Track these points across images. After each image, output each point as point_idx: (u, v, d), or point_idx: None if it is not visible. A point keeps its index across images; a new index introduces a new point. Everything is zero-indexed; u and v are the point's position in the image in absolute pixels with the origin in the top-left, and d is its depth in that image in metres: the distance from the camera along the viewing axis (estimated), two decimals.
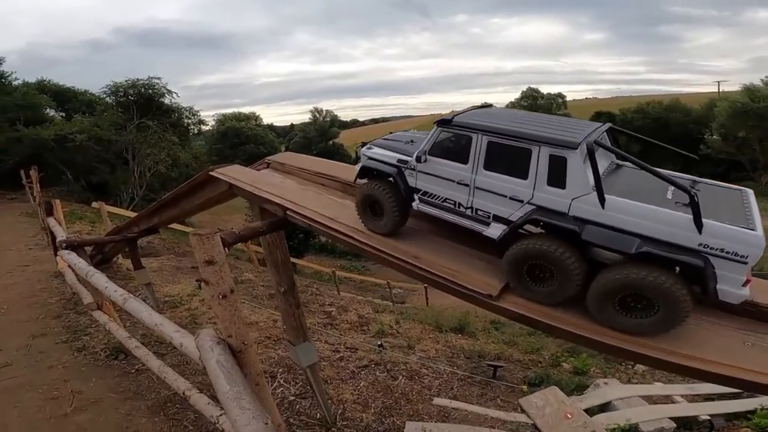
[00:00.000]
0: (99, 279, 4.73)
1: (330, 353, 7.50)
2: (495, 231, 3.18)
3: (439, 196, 3.47)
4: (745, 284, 2.51)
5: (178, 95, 30.67)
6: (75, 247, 6.16)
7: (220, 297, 2.78)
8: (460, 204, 3.36)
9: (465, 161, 3.26)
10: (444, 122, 3.39)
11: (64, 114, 30.52)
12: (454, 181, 3.32)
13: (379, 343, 7.94)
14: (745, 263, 2.45)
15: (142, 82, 28.50)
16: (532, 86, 66.53)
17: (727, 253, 2.46)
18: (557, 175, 2.88)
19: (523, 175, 3.01)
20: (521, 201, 3.03)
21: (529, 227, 3.15)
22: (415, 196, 3.60)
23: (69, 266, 6.19)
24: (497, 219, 3.18)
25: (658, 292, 2.57)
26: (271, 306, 9.63)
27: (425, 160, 3.43)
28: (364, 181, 3.95)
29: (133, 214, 16.61)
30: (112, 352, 6.11)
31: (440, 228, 3.88)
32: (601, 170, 2.80)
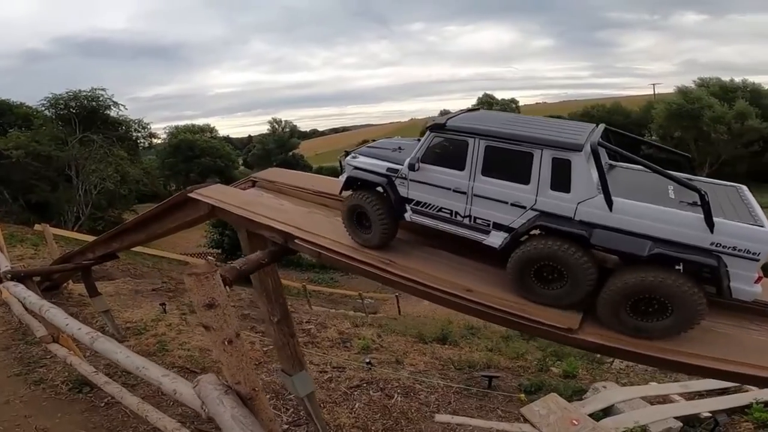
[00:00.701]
0: (56, 315, 4.07)
1: (317, 374, 7.01)
2: (496, 239, 3.06)
3: (433, 206, 3.29)
4: (757, 281, 2.49)
5: (126, 107, 28.95)
6: (22, 278, 5.36)
7: (226, 343, 2.33)
8: (457, 213, 3.20)
9: (461, 167, 3.11)
10: (437, 127, 3.23)
11: None
12: (450, 189, 3.17)
13: (367, 360, 7.53)
14: (757, 260, 2.44)
15: (84, 93, 26.67)
16: (488, 92, 68.46)
17: (740, 251, 2.44)
18: (561, 179, 2.79)
19: (525, 180, 2.90)
20: (523, 207, 2.92)
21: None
22: (408, 207, 3.41)
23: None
24: (498, 227, 3.06)
25: (673, 294, 2.50)
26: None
27: (418, 168, 3.26)
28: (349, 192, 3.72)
29: (80, 236, 15.39)
30: (75, 385, 5.49)
31: (429, 237, 3.69)
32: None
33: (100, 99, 27.35)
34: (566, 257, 2.72)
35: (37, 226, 11.90)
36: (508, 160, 2.96)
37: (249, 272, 3.42)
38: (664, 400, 6.13)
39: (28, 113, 26.00)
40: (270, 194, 5.09)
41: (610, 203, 2.64)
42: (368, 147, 3.90)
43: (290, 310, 11.62)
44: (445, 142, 3.23)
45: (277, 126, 69.06)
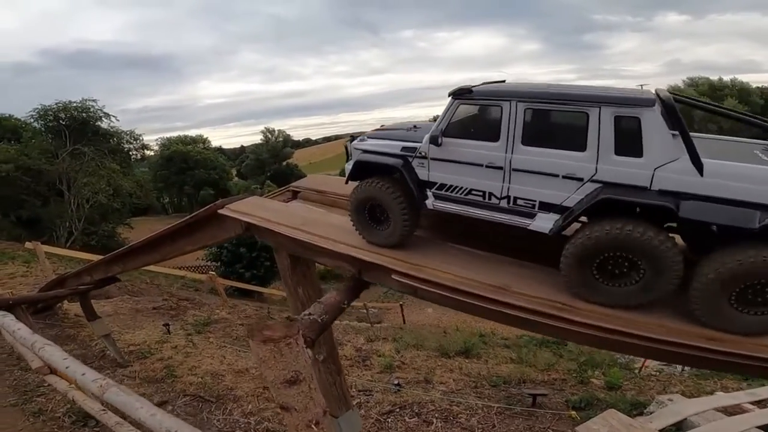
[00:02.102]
0: (54, 354, 3.44)
1: None
2: (545, 223, 2.59)
3: (462, 188, 2.83)
4: None
5: (118, 119, 28.20)
6: (10, 306, 4.69)
7: (312, 425, 1.73)
8: (491, 194, 2.74)
9: (495, 138, 2.67)
10: (463, 92, 2.76)
11: None
12: (482, 166, 2.72)
13: (395, 381, 6.90)
14: None
15: (74, 104, 25.88)
16: None
17: None
18: (629, 141, 2.34)
19: (580, 145, 2.46)
20: (580, 179, 2.46)
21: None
22: (429, 192, 2.95)
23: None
24: (546, 207, 2.59)
25: None
26: None
27: (441, 143, 2.79)
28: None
29: (74, 253, 14.57)
30: (79, 418, 4.87)
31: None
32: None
33: (91, 110, 26.58)
34: (646, 243, 2.21)
35: (28, 244, 11.15)
36: (556, 125, 2.56)
37: (331, 322, 2.78)
38: (735, 410, 5.57)
39: (17, 126, 25.17)
40: (320, 208, 4.29)
41: (699, 165, 2.20)
42: (378, 130, 3.38)
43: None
44: (473, 110, 2.79)
45: (270, 136, 68.53)
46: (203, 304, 12.59)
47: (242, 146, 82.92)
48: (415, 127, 3.19)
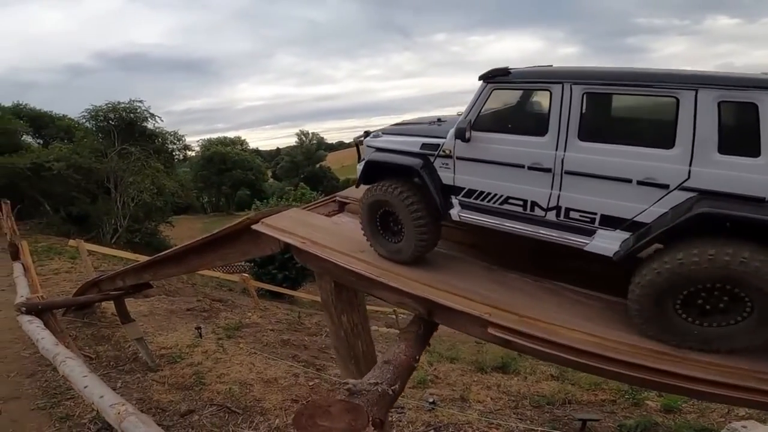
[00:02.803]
0: (74, 371, 3.27)
1: None
2: (608, 243, 2.03)
3: (496, 195, 2.29)
4: None
5: (162, 119, 29.19)
6: (39, 311, 4.65)
7: None
8: (535, 204, 2.19)
9: (541, 132, 2.11)
10: (497, 74, 2.18)
11: (41, 141, 28.68)
12: (522, 167, 2.16)
13: (430, 399, 6.52)
14: None
15: (123, 105, 26.95)
16: None
17: None
18: (741, 136, 1.78)
19: (666, 141, 1.90)
20: (664, 186, 1.90)
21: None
22: (455, 200, 2.43)
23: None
24: (610, 222, 2.02)
25: None
26: (287, 355, 8.12)
27: (470, 138, 2.23)
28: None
29: (117, 252, 15.04)
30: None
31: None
32: None
33: (138, 111, 27.60)
34: (756, 274, 1.65)
35: (71, 242, 11.50)
36: (629, 114, 2.04)
37: (402, 390, 2.29)
38: None
39: (70, 125, 26.53)
40: None
41: None
42: (396, 124, 2.87)
43: (324, 329, 10.83)
44: (512, 98, 2.28)
45: (304, 138, 69.62)
46: (235, 306, 12.62)
47: (278, 148, 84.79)
48: (439, 120, 2.73)
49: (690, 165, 1.87)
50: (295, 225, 3.40)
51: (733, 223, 1.79)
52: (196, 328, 8.46)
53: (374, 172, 2.68)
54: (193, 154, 46.65)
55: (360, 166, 2.84)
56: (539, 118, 2.16)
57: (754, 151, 1.79)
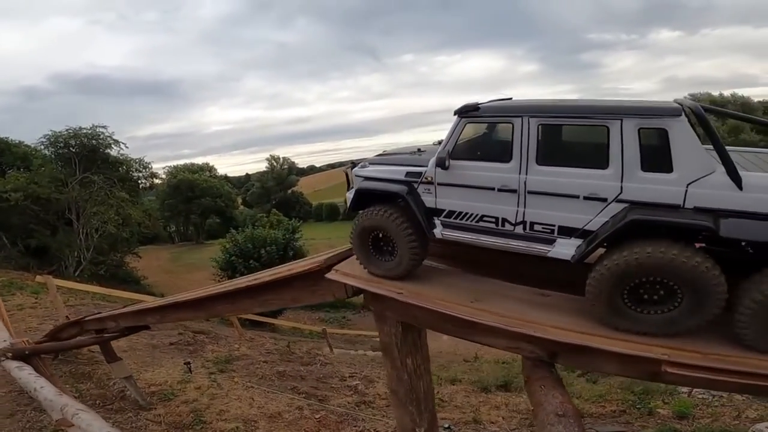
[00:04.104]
0: (92, 426, 2.88)
1: None
2: (566, 249, 2.39)
3: (472, 214, 2.64)
4: None
5: (127, 146, 28.15)
6: (26, 357, 4.16)
7: None
8: (505, 220, 2.54)
9: (507, 158, 2.48)
10: (470, 109, 2.59)
11: None
12: (493, 189, 2.53)
13: (446, 425, 6.27)
14: None
15: (85, 131, 25.84)
16: None
17: None
18: (657, 155, 2.17)
19: (602, 163, 2.27)
20: (603, 199, 2.28)
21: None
22: (437, 221, 2.75)
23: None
24: (566, 232, 2.39)
25: None
26: (286, 387, 7.67)
27: (448, 166, 2.60)
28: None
29: (85, 287, 14.05)
30: None
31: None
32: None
33: (101, 137, 26.54)
34: (684, 266, 2.03)
35: (39, 278, 10.66)
36: (573, 141, 2.43)
37: None
38: None
39: (27, 153, 25.06)
40: (440, 263, 3.31)
41: (737, 179, 2.03)
42: (380, 155, 3.15)
43: (324, 362, 10.40)
44: (482, 129, 2.66)
45: (275, 163, 69.02)
46: (219, 337, 11.95)
47: (247, 174, 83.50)
48: (419, 150, 3.03)
49: (621, 181, 2.25)
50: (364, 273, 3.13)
51: (656, 225, 2.16)
52: (185, 363, 7.88)
53: (363, 199, 2.94)
54: (160, 182, 45.15)
55: (350, 194, 3.06)
56: (504, 147, 2.51)
57: (668, 168, 2.17)
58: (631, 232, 2.20)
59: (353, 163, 3.23)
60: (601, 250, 2.38)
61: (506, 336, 2.53)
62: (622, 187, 2.25)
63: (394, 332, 3.10)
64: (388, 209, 2.80)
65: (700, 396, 8.84)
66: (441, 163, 2.59)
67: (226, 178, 66.20)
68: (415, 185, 2.77)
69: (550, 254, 2.47)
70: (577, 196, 2.33)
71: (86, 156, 25.40)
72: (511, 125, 2.46)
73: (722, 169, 2.10)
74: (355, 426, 6.31)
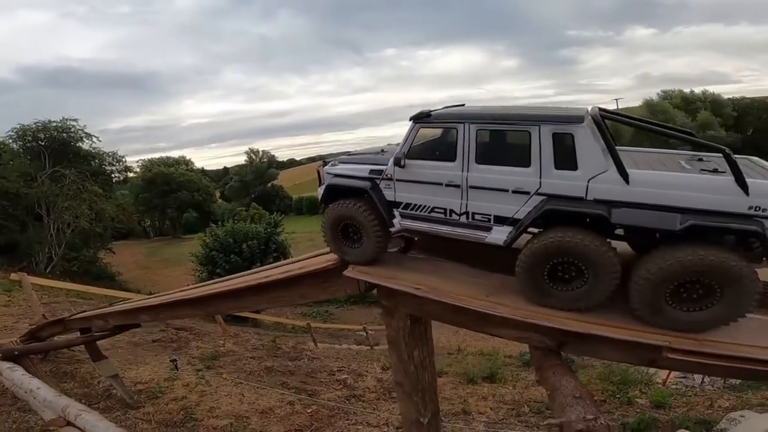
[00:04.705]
0: (97, 428, 2.81)
1: None
2: (500, 235, 2.76)
3: (425, 206, 3.01)
4: None
5: (100, 139, 27.21)
6: (16, 357, 4.04)
7: None
8: (452, 211, 2.92)
9: (452, 158, 2.85)
10: (421, 116, 2.98)
11: None
12: (441, 184, 2.90)
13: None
14: None
15: (54, 124, 24.87)
16: None
17: None
18: (566, 156, 2.55)
19: (525, 162, 2.65)
20: (527, 193, 2.66)
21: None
22: (396, 212, 3.10)
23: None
24: (500, 220, 2.78)
25: (720, 274, 2.22)
26: (275, 383, 7.64)
27: (404, 165, 2.98)
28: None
29: (61, 284, 13.57)
30: None
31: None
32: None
33: (72, 130, 25.59)
34: (585, 248, 2.42)
35: (13, 275, 10.24)
36: (504, 143, 2.78)
37: None
38: None
39: None
40: (450, 263, 3.38)
41: (625, 175, 2.41)
42: (349, 155, 3.54)
43: (311, 356, 10.39)
44: (432, 133, 3.04)
45: (254, 156, 67.90)
46: (203, 333, 11.78)
47: (225, 167, 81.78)
48: (382, 150, 3.35)
49: (540, 177, 2.62)
50: (387, 270, 3.24)
51: (565, 214, 2.54)
52: (171, 361, 7.74)
53: (333, 194, 3.28)
54: (133, 175, 43.84)
55: (321, 189, 3.38)
56: (451, 148, 2.86)
57: (574, 166, 2.53)
58: (549, 219, 2.60)
59: (324, 162, 3.53)
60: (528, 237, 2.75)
61: (518, 327, 2.70)
62: (540, 182, 2.62)
63: (402, 326, 3.21)
64: (356, 202, 3.13)
65: (674, 386, 9.29)
66: (398, 162, 2.97)
67: (203, 171, 64.83)
68: (378, 181, 3.11)
69: (487, 240, 2.82)
70: (507, 190, 2.71)
71: (56, 150, 24.47)
72: (455, 130, 2.83)
73: (614, 167, 2.45)
74: (347, 419, 6.35)
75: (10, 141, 23.93)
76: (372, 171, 3.15)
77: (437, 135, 3.03)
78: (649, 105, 50.63)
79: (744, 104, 50.03)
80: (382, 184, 3.10)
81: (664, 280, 2.32)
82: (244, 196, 60.50)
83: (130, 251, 42.48)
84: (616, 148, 2.60)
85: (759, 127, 48.93)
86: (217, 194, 63.00)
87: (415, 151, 2.99)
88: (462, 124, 2.81)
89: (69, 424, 3.87)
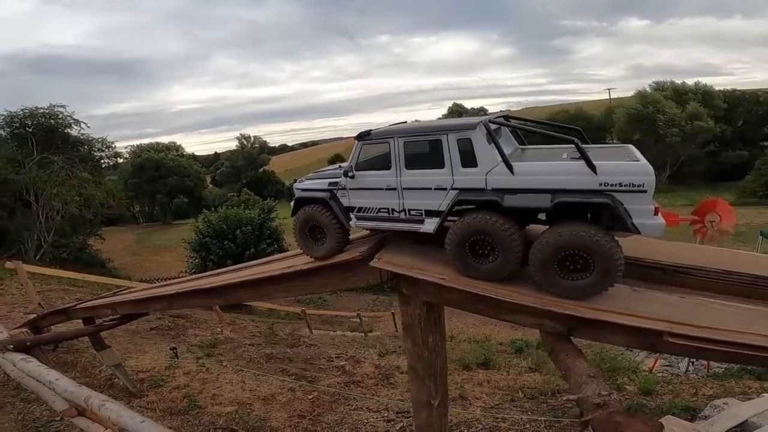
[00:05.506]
0: (123, 417, 2.87)
1: (384, 424, 5.98)
2: (430, 225, 3.29)
3: (373, 208, 3.54)
4: (656, 213, 2.66)
5: (88, 125, 26.72)
6: (27, 348, 4.07)
7: None
8: (393, 210, 3.45)
9: (388, 167, 3.39)
10: (363, 135, 3.53)
11: None
12: (382, 189, 3.43)
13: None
14: (644, 191, 2.63)
15: (42, 110, 24.37)
16: (457, 102, 69.28)
17: (626, 185, 2.65)
18: (468, 156, 3.07)
19: (441, 164, 3.17)
20: (445, 189, 3.18)
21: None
22: (351, 215, 3.63)
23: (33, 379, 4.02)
24: (429, 213, 3.30)
25: (588, 246, 2.67)
26: (275, 370, 7.77)
27: (353, 176, 3.53)
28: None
29: (56, 272, 13.45)
30: None
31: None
32: (507, 152, 3.05)
33: (60, 117, 25.11)
34: (488, 227, 2.91)
35: (8, 264, 10.16)
36: (424, 151, 3.26)
37: None
38: None
39: None
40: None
41: (510, 168, 2.91)
42: (314, 173, 4.11)
43: (309, 343, 10.53)
44: (372, 148, 3.52)
45: (245, 142, 67.15)
46: (200, 321, 11.86)
47: (216, 153, 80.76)
48: (340, 166, 3.86)
49: (452, 176, 3.13)
50: (403, 258, 3.51)
51: (472, 203, 3.06)
52: (171, 349, 7.82)
53: (301, 205, 3.86)
54: (122, 161, 43.15)
55: (292, 203, 3.97)
56: (387, 159, 3.39)
57: (475, 164, 3.05)
58: (465, 208, 3.13)
59: (295, 180, 4.14)
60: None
61: (533, 313, 2.95)
62: (453, 180, 3.13)
63: (418, 313, 3.48)
64: (320, 206, 3.71)
65: (660, 375, 9.58)
66: (346, 174, 3.54)
67: (194, 157, 63.99)
68: (335, 191, 3.66)
69: (421, 230, 3.32)
70: (431, 188, 3.23)
71: (44, 136, 24.02)
72: (389, 144, 3.37)
73: (503, 162, 2.93)
74: (347, 405, 6.50)
75: None
76: (330, 183, 3.72)
77: (375, 150, 3.56)
78: (641, 96, 50.88)
79: (735, 96, 50.53)
80: (339, 193, 3.66)
81: (549, 254, 2.77)
82: (236, 182, 59.97)
83: (120, 237, 42.10)
84: (524, 147, 3.56)
85: (749, 119, 49.57)
86: (208, 180, 62.37)
87: (361, 164, 3.54)
88: (393, 139, 3.36)
89: (80, 414, 3.96)
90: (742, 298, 2.94)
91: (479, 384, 8.03)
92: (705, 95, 48.77)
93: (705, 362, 10.46)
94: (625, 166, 2.73)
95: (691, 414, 5.97)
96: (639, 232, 2.67)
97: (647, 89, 51.67)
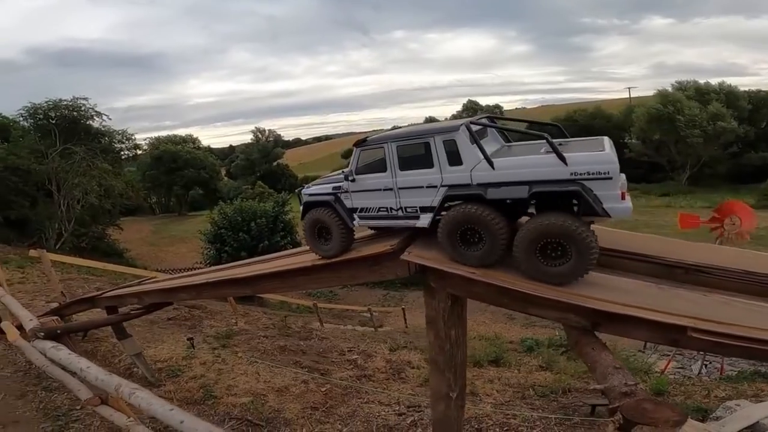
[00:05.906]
0: (153, 405, 2.98)
1: (395, 417, 6.05)
2: (425, 220, 3.53)
3: (373, 208, 3.78)
4: (623, 198, 2.86)
5: (110, 117, 27.27)
6: (57, 336, 4.23)
7: None
8: (391, 208, 3.69)
9: (384, 170, 3.63)
10: (360, 142, 3.79)
11: None
12: (381, 190, 3.67)
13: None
14: (610, 177, 2.83)
15: (65, 102, 24.94)
16: (472, 99, 68.68)
17: (593, 174, 2.85)
18: (454, 156, 3.32)
19: (430, 164, 3.42)
20: (436, 186, 3.42)
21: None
22: (355, 215, 3.86)
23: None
24: (423, 209, 3.53)
25: (565, 235, 2.87)
26: (289, 362, 7.90)
27: (353, 180, 3.78)
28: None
29: (77, 260, 13.77)
30: None
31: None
32: (490, 150, 3.31)
33: (82, 109, 25.65)
34: (473, 217, 3.14)
35: (32, 252, 10.46)
36: (415, 153, 3.51)
37: None
38: None
39: (5, 124, 24.05)
40: None
41: (491, 164, 3.15)
42: (320, 178, 4.40)
43: (321, 336, 10.66)
44: (370, 153, 3.79)
45: (260, 135, 67.65)
46: (215, 312, 12.08)
47: (231, 146, 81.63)
48: (343, 172, 4.08)
49: (441, 174, 3.38)
50: (436, 252, 3.58)
51: (460, 197, 3.27)
52: (188, 339, 8.00)
53: (309, 209, 4.08)
54: (141, 153, 43.91)
55: (301, 207, 4.20)
56: (383, 163, 3.63)
57: (460, 162, 3.29)
58: (454, 201, 3.33)
59: (302, 186, 4.41)
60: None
61: (558, 308, 3.02)
62: (442, 178, 3.37)
63: (442, 306, 3.61)
64: (326, 209, 3.94)
65: (672, 376, 9.47)
66: (347, 178, 3.80)
67: (209, 149, 64.75)
68: (339, 194, 3.91)
69: (417, 225, 3.55)
70: (423, 187, 3.46)
71: (67, 127, 24.57)
72: (383, 148, 3.62)
73: (485, 160, 3.15)
74: (359, 398, 6.59)
75: (21, 119, 24.01)
76: (335, 187, 3.97)
77: (373, 155, 3.81)
78: (662, 95, 49.72)
79: (760, 97, 48.97)
80: (343, 196, 3.90)
81: (530, 242, 2.97)
82: (250, 175, 60.52)
83: (137, 227, 42.95)
84: (510, 144, 3.79)
85: None
86: (223, 172, 63.13)
87: (361, 168, 3.78)
88: (387, 144, 3.60)
89: (103, 402, 4.11)
90: (762, 297, 2.97)
91: (490, 381, 8.06)
92: (729, 95, 47.39)
93: (718, 365, 10.37)
94: (591, 156, 2.93)
95: (702, 415, 5.93)
96: (609, 216, 2.86)
97: (668, 89, 50.43)
